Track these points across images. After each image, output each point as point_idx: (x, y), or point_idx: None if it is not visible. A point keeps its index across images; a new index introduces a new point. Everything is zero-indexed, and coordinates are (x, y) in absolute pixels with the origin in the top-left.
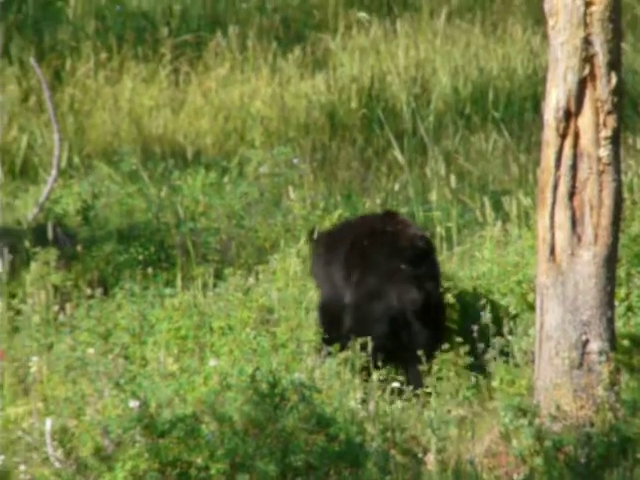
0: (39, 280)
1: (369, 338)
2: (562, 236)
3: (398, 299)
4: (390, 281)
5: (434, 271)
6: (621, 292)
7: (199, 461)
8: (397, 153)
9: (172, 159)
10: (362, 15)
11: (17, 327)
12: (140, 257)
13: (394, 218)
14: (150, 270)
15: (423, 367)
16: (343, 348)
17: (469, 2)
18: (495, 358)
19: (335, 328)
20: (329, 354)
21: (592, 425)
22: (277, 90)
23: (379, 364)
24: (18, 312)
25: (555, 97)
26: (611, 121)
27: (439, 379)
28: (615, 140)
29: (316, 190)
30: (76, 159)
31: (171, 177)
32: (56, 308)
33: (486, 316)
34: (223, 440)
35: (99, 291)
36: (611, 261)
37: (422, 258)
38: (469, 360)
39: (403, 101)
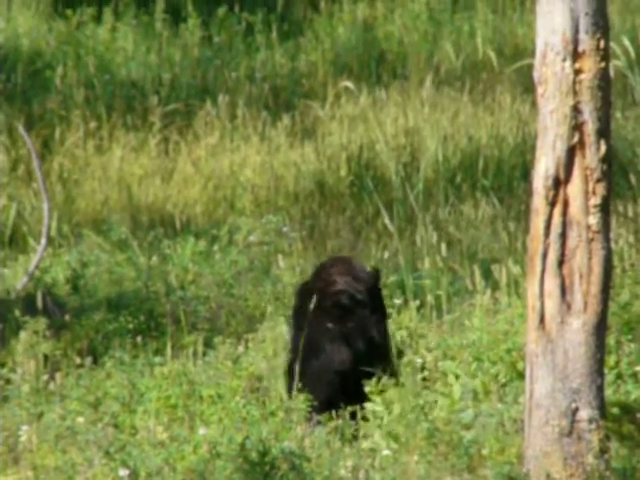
0: (29, 349)
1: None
2: (551, 304)
3: (329, 360)
4: (320, 342)
5: (364, 323)
6: (611, 360)
7: None
8: (387, 221)
9: (161, 228)
10: (347, 84)
11: (7, 396)
12: (129, 326)
13: (325, 271)
14: (139, 339)
15: None
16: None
17: (457, 71)
18: (485, 426)
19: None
20: (319, 423)
21: None
22: (266, 159)
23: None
24: (8, 381)
25: (544, 165)
26: (600, 189)
27: (429, 446)
28: (605, 208)
29: (305, 258)
30: (65, 228)
31: (160, 246)
32: (46, 377)
33: (475, 384)
34: None
35: (88, 360)
36: (601, 329)
37: (348, 314)
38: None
39: (392, 169)
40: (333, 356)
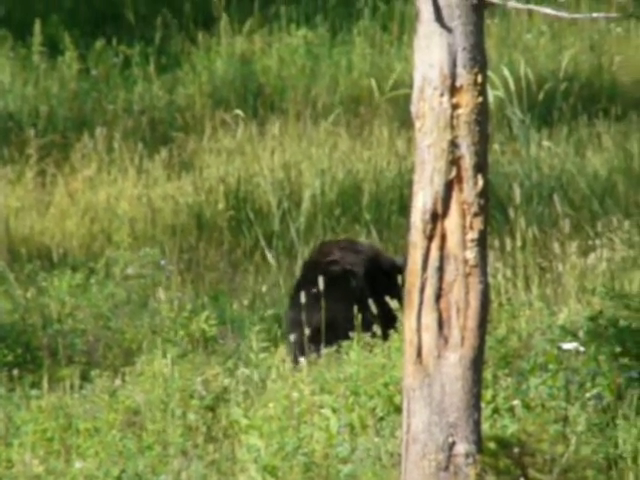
0: None
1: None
2: (429, 338)
3: (307, 320)
4: (299, 304)
5: (348, 292)
6: (487, 394)
7: None
8: (267, 252)
9: (38, 260)
10: (225, 117)
11: None
12: (6, 358)
13: (327, 245)
14: (16, 372)
15: None
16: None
17: (335, 105)
18: (362, 460)
19: None
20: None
21: None
22: (144, 191)
23: None
24: None
25: (422, 199)
26: (477, 223)
27: None
28: (482, 242)
29: (183, 292)
30: None
31: (37, 278)
32: None
33: (352, 418)
34: None
35: None
36: (477, 363)
37: (335, 282)
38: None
39: (272, 203)
40: (307, 315)
